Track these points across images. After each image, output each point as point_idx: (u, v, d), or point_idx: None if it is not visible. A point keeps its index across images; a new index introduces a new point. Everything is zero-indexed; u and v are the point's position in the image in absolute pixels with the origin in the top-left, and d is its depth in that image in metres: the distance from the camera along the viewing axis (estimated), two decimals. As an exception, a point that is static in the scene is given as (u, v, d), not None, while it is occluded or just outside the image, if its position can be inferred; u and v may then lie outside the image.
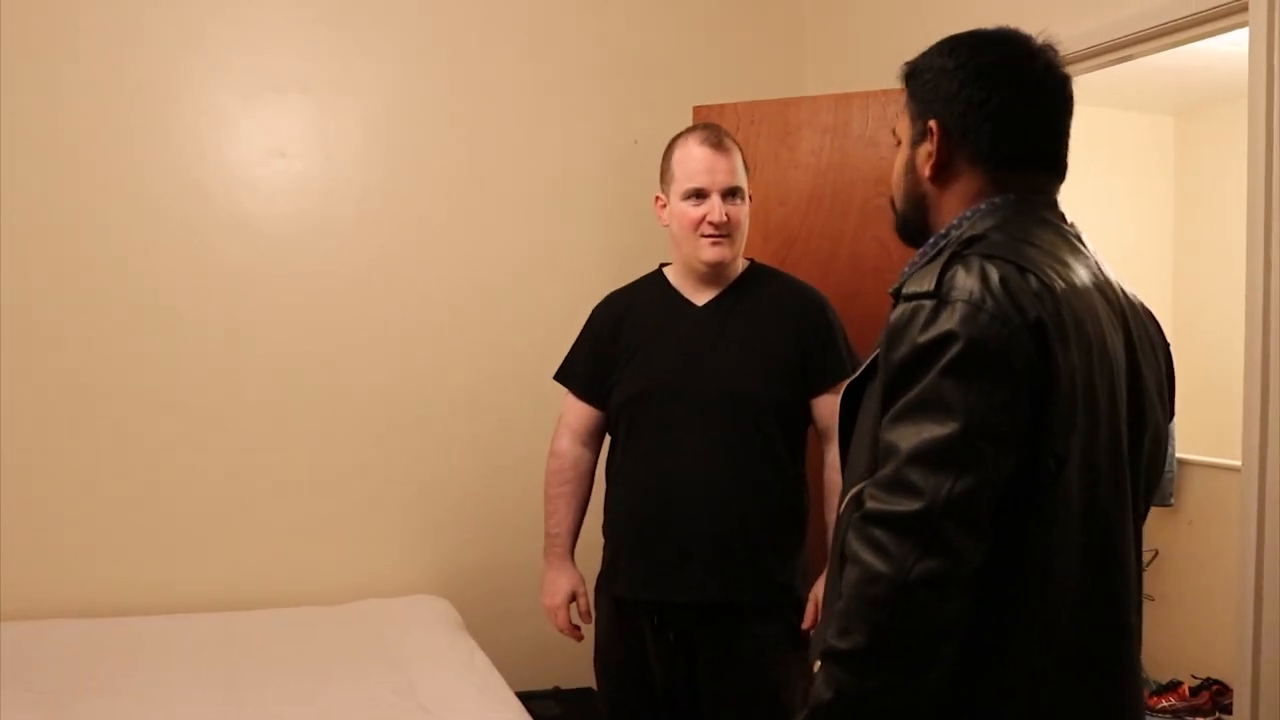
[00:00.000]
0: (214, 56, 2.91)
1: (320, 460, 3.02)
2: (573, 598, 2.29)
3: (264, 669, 2.39)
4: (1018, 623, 1.14)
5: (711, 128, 2.18)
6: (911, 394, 1.10)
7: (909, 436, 1.08)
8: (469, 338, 3.14)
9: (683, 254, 2.19)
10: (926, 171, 1.29)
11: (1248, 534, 1.92)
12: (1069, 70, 1.31)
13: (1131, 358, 1.24)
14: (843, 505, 1.23)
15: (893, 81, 1.39)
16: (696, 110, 2.88)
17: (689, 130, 2.21)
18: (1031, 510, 1.12)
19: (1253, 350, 1.91)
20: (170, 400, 2.88)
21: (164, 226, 2.88)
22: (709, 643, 2.12)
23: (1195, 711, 3.29)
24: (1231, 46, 2.21)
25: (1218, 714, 3.25)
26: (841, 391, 2.06)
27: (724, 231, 2.11)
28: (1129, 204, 4.48)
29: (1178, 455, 3.64)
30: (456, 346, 3.13)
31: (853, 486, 1.21)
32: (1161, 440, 1.30)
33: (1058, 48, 1.29)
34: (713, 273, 2.17)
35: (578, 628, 2.32)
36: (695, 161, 2.12)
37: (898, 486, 1.08)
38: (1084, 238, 1.30)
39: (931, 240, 1.29)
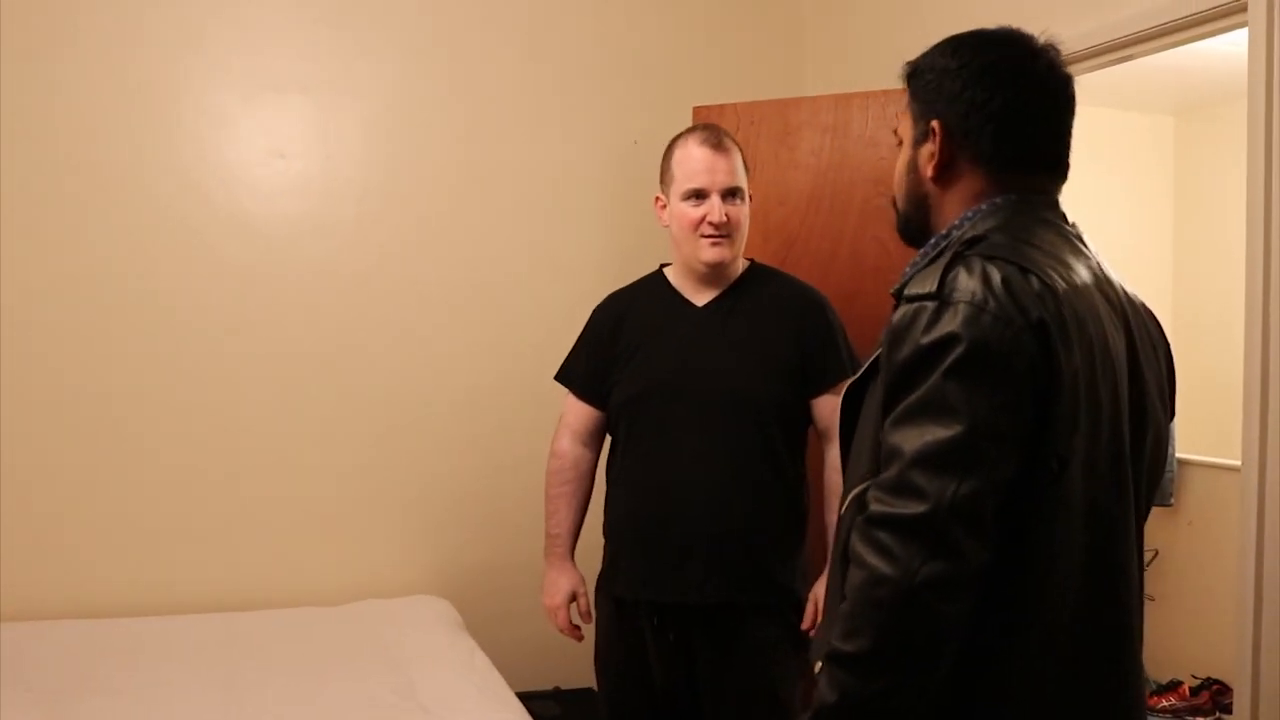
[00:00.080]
0: (214, 56, 2.91)
1: (320, 460, 3.02)
2: (573, 598, 2.29)
3: (264, 669, 2.39)
4: (1019, 622, 1.14)
5: (711, 128, 2.19)
6: (914, 396, 1.10)
7: (913, 439, 1.08)
8: (469, 338, 3.14)
9: (683, 254, 2.19)
10: (929, 172, 1.29)
11: (1247, 534, 1.92)
12: (1070, 70, 1.31)
13: (1133, 358, 1.24)
14: (844, 506, 1.23)
15: (893, 82, 1.39)
16: (696, 110, 2.88)
17: (689, 131, 2.21)
18: (1033, 511, 1.12)
19: (1252, 350, 1.91)
20: (170, 400, 2.88)
21: (164, 227, 2.88)
22: (709, 643, 2.12)
23: (1195, 711, 3.28)
24: (1231, 46, 2.21)
25: (1218, 714, 3.25)
26: (842, 391, 2.08)
27: (724, 232, 2.11)
28: (1129, 204, 4.48)
29: (1178, 455, 3.64)
30: (456, 346, 3.13)
31: (854, 487, 1.21)
32: (1163, 440, 1.30)
33: (1060, 47, 1.29)
34: (713, 273, 2.17)
35: (578, 628, 2.32)
36: (695, 162, 2.12)
37: (902, 489, 1.08)
38: (1085, 238, 1.30)
39: (933, 240, 1.28)
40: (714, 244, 2.12)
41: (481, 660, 2.52)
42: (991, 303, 1.09)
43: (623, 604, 2.20)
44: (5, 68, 2.74)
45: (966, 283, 1.11)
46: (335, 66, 3.02)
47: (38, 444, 2.78)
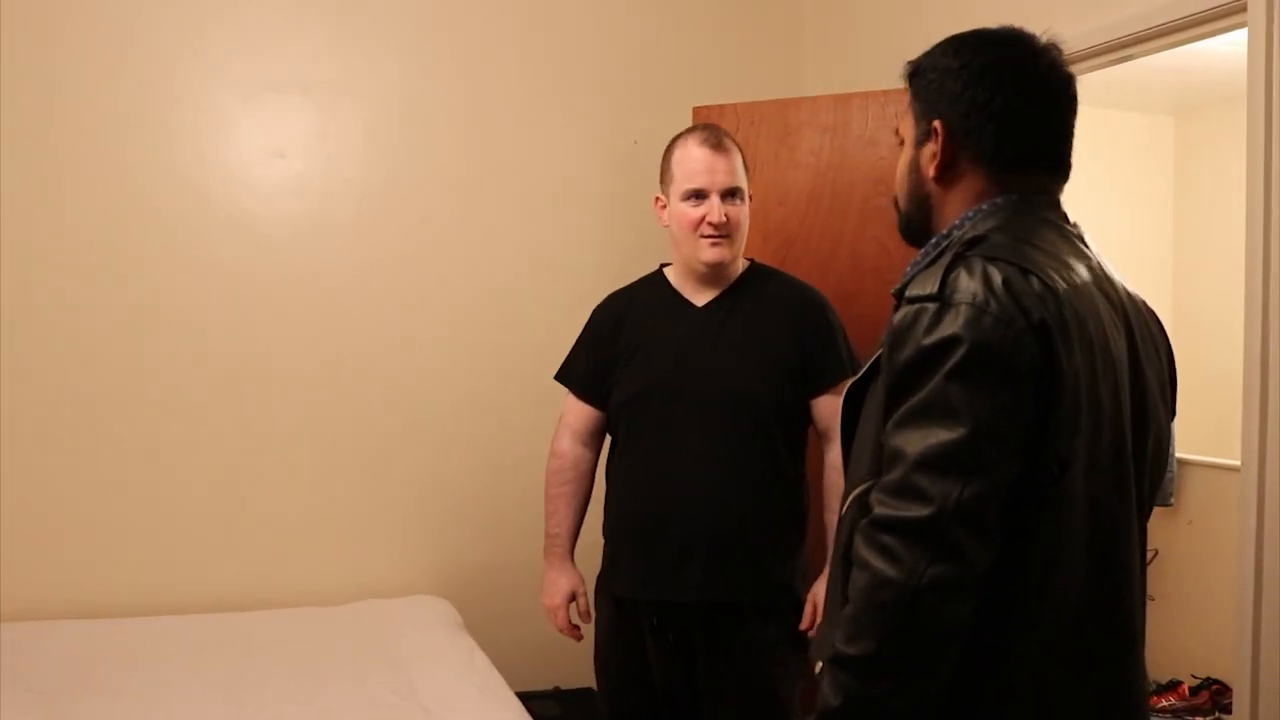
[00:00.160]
0: (214, 57, 2.91)
1: (320, 461, 3.02)
2: (572, 598, 2.29)
3: (264, 669, 2.39)
4: (1021, 623, 1.14)
5: (711, 128, 2.18)
6: (917, 398, 1.10)
7: (916, 441, 1.08)
8: (469, 338, 3.14)
9: (682, 254, 2.19)
10: (931, 172, 1.29)
11: (1247, 534, 1.92)
12: (1071, 70, 1.31)
13: (1134, 358, 1.24)
14: (845, 507, 1.23)
15: (892, 81, 1.39)
16: (696, 111, 2.88)
17: (689, 131, 2.21)
18: (1035, 511, 1.12)
19: (1252, 350, 1.91)
20: (170, 400, 2.88)
21: (164, 227, 2.88)
22: (708, 643, 2.12)
23: (1195, 711, 3.29)
24: (1231, 47, 2.22)
25: (1217, 714, 3.26)
26: (841, 391, 2.08)
27: (723, 232, 2.11)
28: (1128, 204, 4.48)
29: (1178, 455, 3.64)
30: (456, 347, 3.13)
31: (855, 488, 1.21)
32: (1164, 440, 1.30)
33: (1061, 47, 1.29)
34: (712, 273, 2.17)
35: (577, 628, 2.32)
36: (695, 162, 2.12)
37: (906, 492, 1.08)
38: (1086, 237, 1.29)
39: (933, 240, 1.28)
40: (714, 244, 2.12)
41: (481, 660, 2.52)
42: (993, 304, 1.09)
43: (622, 604, 2.20)
44: (5, 68, 2.73)
45: (968, 284, 1.11)
46: (335, 66, 3.02)
47: (38, 444, 2.78)
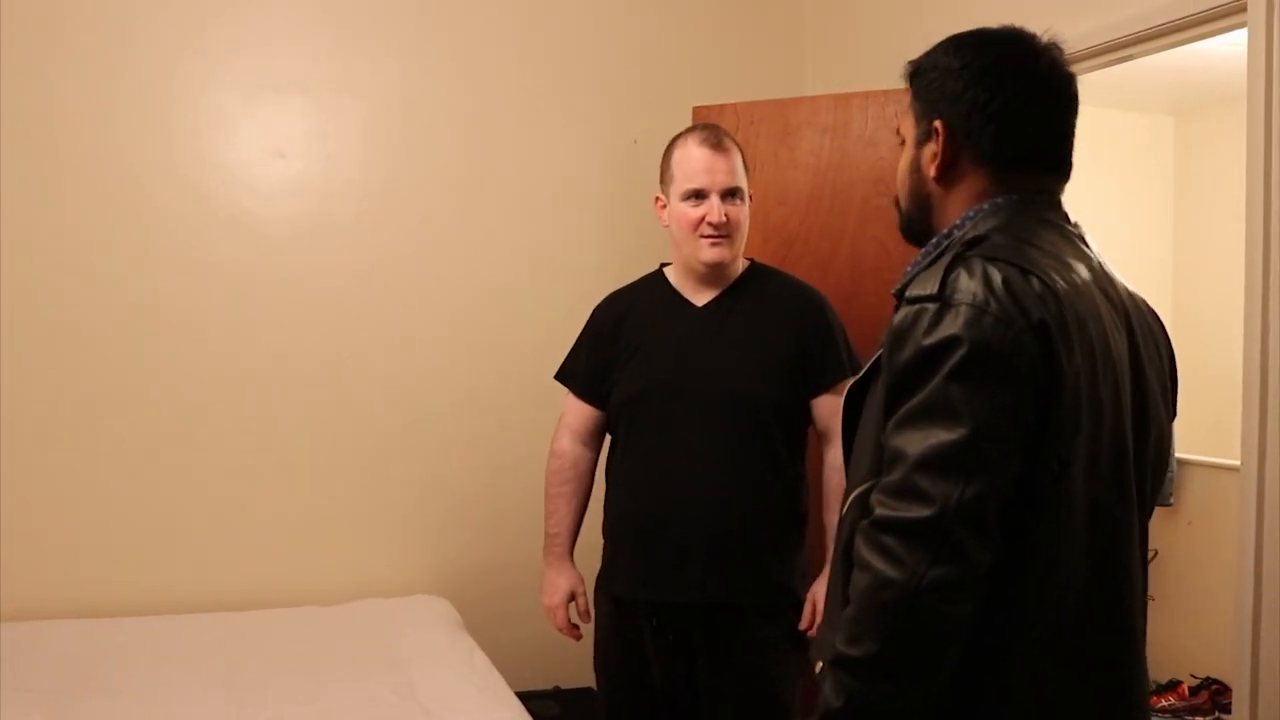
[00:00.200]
0: (214, 56, 2.91)
1: (320, 460, 3.02)
2: (572, 597, 2.29)
3: (264, 669, 2.39)
4: (1020, 623, 1.14)
5: (711, 128, 2.18)
6: (917, 399, 1.10)
7: (916, 442, 1.08)
8: (469, 338, 3.14)
9: (682, 254, 2.19)
10: (931, 172, 1.28)
11: (1247, 534, 1.92)
12: (1072, 69, 1.30)
13: (1135, 358, 1.24)
14: (846, 507, 1.23)
15: (892, 81, 1.38)
16: (696, 110, 2.88)
17: (688, 130, 2.21)
18: (1035, 512, 1.12)
19: (1252, 350, 1.91)
20: (169, 400, 2.88)
21: (163, 227, 2.88)
22: (708, 643, 2.12)
23: (1194, 711, 3.29)
24: (1231, 47, 2.22)
25: (1217, 713, 3.26)
26: (841, 391, 2.07)
27: (723, 232, 2.11)
28: (1128, 204, 4.48)
29: (1177, 455, 3.64)
30: (456, 346, 3.13)
31: (856, 488, 1.21)
32: (1165, 440, 1.29)
33: (1063, 46, 1.29)
34: (712, 273, 2.17)
35: (576, 627, 2.32)
36: (695, 162, 2.12)
37: (907, 493, 1.08)
38: (1087, 238, 1.29)
39: (934, 240, 1.28)
40: (713, 244, 2.12)
41: (481, 660, 2.52)
42: (993, 304, 1.09)
43: (622, 603, 2.20)
44: (5, 67, 2.73)
45: (968, 284, 1.11)
46: (335, 66, 3.02)
47: (37, 444, 2.78)
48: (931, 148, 1.28)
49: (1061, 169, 1.30)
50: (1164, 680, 3.38)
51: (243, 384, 2.94)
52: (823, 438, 2.19)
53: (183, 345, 2.89)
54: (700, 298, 2.20)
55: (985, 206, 1.24)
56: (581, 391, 2.30)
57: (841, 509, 1.25)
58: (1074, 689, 1.16)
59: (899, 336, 1.13)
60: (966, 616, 1.08)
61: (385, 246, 3.06)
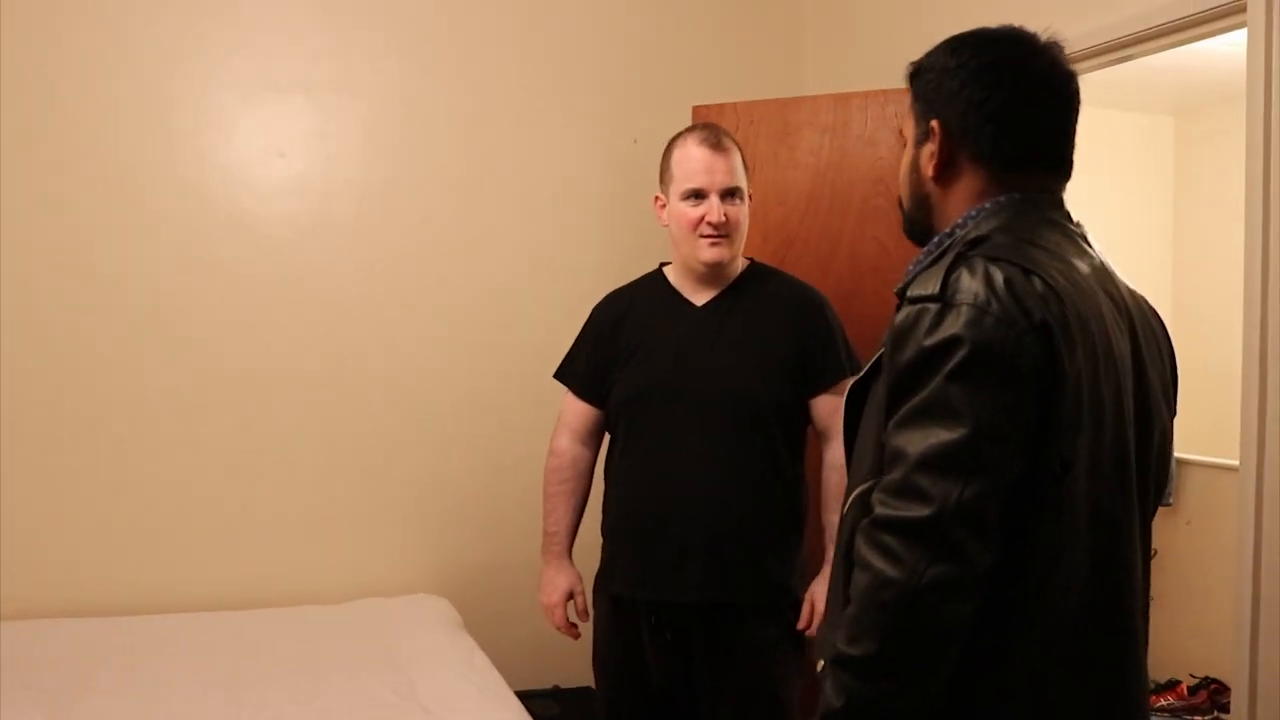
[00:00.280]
0: (214, 56, 2.91)
1: (320, 460, 3.02)
2: (570, 596, 2.29)
3: (264, 669, 2.39)
4: (1021, 623, 1.14)
5: (711, 128, 2.18)
6: (918, 398, 1.10)
7: (917, 441, 1.08)
8: (468, 337, 3.14)
9: (682, 254, 2.19)
10: (929, 172, 1.29)
11: (1246, 533, 1.93)
12: (1073, 68, 1.30)
13: (1137, 358, 1.24)
14: (847, 506, 1.23)
15: (892, 81, 1.39)
16: (696, 110, 2.88)
17: (688, 130, 2.21)
18: (1037, 512, 1.12)
19: (1251, 350, 1.92)
20: (169, 400, 2.88)
21: (163, 227, 2.88)
22: (706, 642, 2.12)
23: (1193, 710, 3.29)
24: (1230, 47, 2.22)
25: (1215, 713, 3.26)
26: (840, 391, 2.08)
27: (723, 232, 2.11)
28: (1128, 204, 4.48)
29: (1177, 455, 3.64)
30: (456, 346, 3.13)
31: (857, 487, 1.21)
32: (1168, 441, 1.29)
33: (1063, 45, 1.28)
34: (712, 273, 2.17)
35: (575, 626, 2.32)
36: (694, 162, 2.12)
37: (907, 492, 1.08)
38: (1089, 237, 1.29)
39: (936, 239, 1.28)
40: (713, 244, 2.12)
41: (481, 659, 2.52)
42: (994, 305, 1.09)
43: (620, 603, 2.20)
44: (4, 67, 2.74)
45: (969, 284, 1.11)
46: (335, 66, 3.02)
47: (37, 444, 2.78)
48: (930, 147, 1.28)
49: (1062, 168, 1.29)
50: (1163, 680, 3.39)
51: (243, 383, 2.94)
52: (822, 437, 2.19)
53: (182, 345, 2.89)
54: (700, 297, 2.20)
55: (987, 206, 1.24)
56: (580, 391, 2.30)
57: (842, 508, 1.25)
58: (1074, 689, 1.16)
59: (900, 336, 1.13)
60: (966, 616, 1.08)
61: (385, 246, 3.06)
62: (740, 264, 2.22)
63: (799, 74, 3.45)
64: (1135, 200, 4.53)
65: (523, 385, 3.05)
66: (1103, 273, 1.26)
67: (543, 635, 2.50)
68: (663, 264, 2.30)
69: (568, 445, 2.31)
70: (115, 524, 2.84)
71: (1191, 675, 3.40)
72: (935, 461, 1.07)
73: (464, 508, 3.14)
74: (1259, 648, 1.90)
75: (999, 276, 1.11)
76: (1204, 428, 3.65)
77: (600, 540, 2.27)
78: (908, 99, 1.34)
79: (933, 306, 1.11)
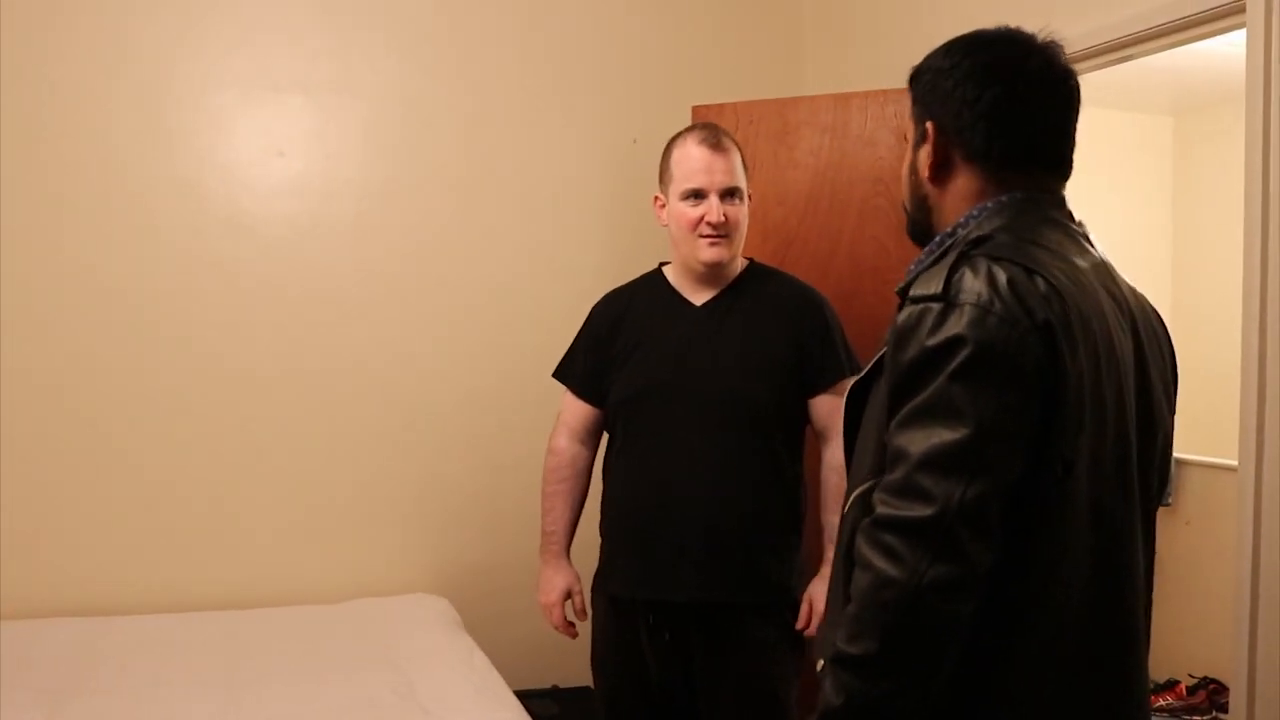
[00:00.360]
0: (213, 56, 2.91)
1: (319, 460, 3.02)
2: (568, 595, 2.29)
3: (263, 668, 2.39)
4: (1022, 623, 1.14)
5: (710, 127, 2.18)
6: (920, 398, 1.10)
7: (919, 441, 1.08)
8: (468, 337, 3.14)
9: (681, 254, 2.19)
10: (926, 173, 1.29)
11: (1244, 533, 1.93)
12: (1071, 67, 1.29)
13: (1140, 358, 1.24)
14: (848, 506, 1.23)
15: (892, 81, 1.39)
16: (695, 110, 2.88)
17: (688, 130, 2.21)
18: (1038, 512, 1.12)
19: (1249, 350, 1.92)
20: (168, 400, 2.88)
21: (163, 226, 2.88)
22: (705, 642, 2.12)
23: (1192, 710, 3.29)
24: (1230, 47, 2.22)
25: (1214, 713, 3.26)
26: (839, 391, 2.08)
27: (722, 232, 2.11)
28: (1128, 204, 4.48)
29: (1176, 455, 3.64)
30: (455, 346, 3.13)
31: (858, 487, 1.21)
32: (1169, 441, 1.30)
33: (1062, 45, 1.28)
34: (711, 273, 2.17)
35: (572, 625, 2.32)
36: (694, 162, 2.12)
37: (909, 492, 1.08)
38: (1091, 236, 1.29)
39: (937, 239, 1.28)
40: (712, 244, 2.12)
41: (480, 659, 2.52)
42: (997, 304, 1.09)
43: (618, 602, 2.20)
44: (4, 67, 2.73)
45: (972, 284, 1.10)
46: (334, 66, 3.02)
47: (37, 443, 2.78)
48: (926, 148, 1.28)
49: (1061, 167, 1.29)
50: (1161, 680, 3.39)
51: (242, 383, 2.94)
52: (821, 437, 2.19)
53: (181, 345, 2.89)
54: (699, 297, 2.20)
55: (989, 205, 1.24)
56: (579, 390, 2.30)
57: (843, 508, 1.25)
58: (1075, 689, 1.16)
59: (903, 336, 1.13)
60: (967, 616, 1.08)
61: (385, 246, 3.06)
62: (739, 264, 2.22)
63: (798, 74, 3.45)
64: (1134, 200, 4.53)
65: (522, 385, 3.05)
66: (1104, 272, 1.26)
67: (542, 635, 2.50)
68: (662, 264, 2.30)
69: (566, 444, 2.31)
70: (115, 524, 2.84)
71: (1190, 675, 3.40)
72: (937, 461, 1.07)
73: (463, 508, 3.14)
74: (1258, 648, 1.91)
75: (1002, 276, 1.10)
76: (1203, 428, 3.65)
77: (598, 540, 2.27)
78: (907, 101, 1.34)
79: (935, 306, 1.11)
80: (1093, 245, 1.28)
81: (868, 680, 1.09)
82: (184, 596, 2.86)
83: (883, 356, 1.21)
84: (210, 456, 2.92)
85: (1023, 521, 1.11)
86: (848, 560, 1.16)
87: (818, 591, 2.10)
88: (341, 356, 3.03)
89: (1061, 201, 1.29)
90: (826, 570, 2.08)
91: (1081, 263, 1.21)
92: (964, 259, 1.14)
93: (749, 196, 2.19)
